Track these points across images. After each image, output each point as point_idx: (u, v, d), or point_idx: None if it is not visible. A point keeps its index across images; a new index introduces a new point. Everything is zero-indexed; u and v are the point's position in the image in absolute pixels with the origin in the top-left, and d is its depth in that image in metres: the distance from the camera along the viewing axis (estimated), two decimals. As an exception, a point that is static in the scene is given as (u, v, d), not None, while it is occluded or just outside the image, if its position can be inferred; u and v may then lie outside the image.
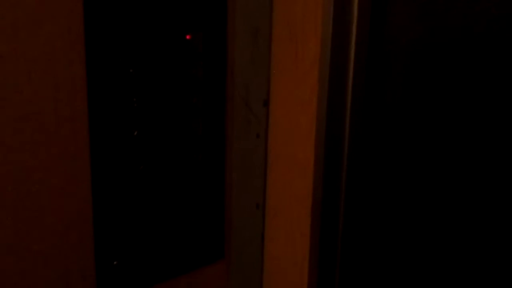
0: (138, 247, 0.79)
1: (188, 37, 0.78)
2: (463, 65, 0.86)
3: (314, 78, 0.83)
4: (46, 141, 0.68)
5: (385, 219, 0.94)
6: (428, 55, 0.88)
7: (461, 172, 0.90)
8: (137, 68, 0.71)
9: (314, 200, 0.85)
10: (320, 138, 0.84)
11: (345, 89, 0.84)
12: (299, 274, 0.90)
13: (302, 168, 0.87)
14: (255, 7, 0.88)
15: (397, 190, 0.94)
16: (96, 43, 0.69)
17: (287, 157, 0.90)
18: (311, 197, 0.85)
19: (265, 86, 0.91)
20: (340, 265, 0.88)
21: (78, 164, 0.70)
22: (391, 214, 0.94)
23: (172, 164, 0.81)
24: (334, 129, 0.85)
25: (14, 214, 0.68)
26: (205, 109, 0.85)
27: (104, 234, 0.74)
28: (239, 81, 0.91)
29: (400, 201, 0.94)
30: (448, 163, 0.90)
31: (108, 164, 0.72)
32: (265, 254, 0.96)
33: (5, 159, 0.66)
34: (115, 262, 0.75)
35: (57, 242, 0.72)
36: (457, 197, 0.91)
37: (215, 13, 0.83)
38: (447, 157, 0.90)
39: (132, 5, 0.71)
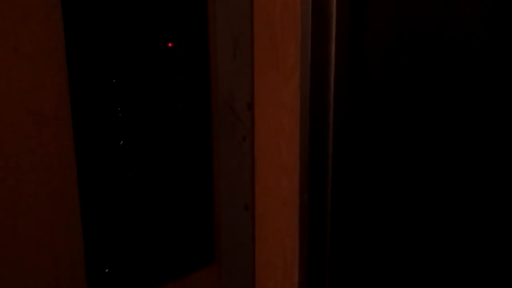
0: (129, 254, 0.80)
1: (170, 45, 0.80)
2: (438, 66, 0.88)
3: (295, 82, 0.85)
4: (31, 154, 0.69)
5: (371, 218, 0.95)
6: (406, 57, 0.89)
7: (444, 172, 0.92)
8: (120, 78, 0.72)
9: (301, 201, 0.87)
10: (304, 140, 0.85)
11: (326, 91, 0.86)
12: (289, 276, 0.91)
13: (288, 170, 0.88)
14: (235, 14, 0.89)
15: (381, 189, 0.96)
16: (78, 55, 0.69)
17: (274, 159, 0.91)
18: (297, 199, 0.87)
19: (249, 90, 0.93)
20: (330, 264, 0.90)
21: (64, 175, 0.71)
22: (376, 213, 0.95)
23: (160, 170, 0.82)
24: (317, 131, 0.86)
25: (1, 226, 0.69)
26: (190, 114, 0.86)
27: (94, 243, 0.75)
28: (222, 86, 0.92)
29: (384, 199, 0.96)
30: (427, 162, 0.92)
31: (95, 174, 0.73)
32: (256, 256, 0.97)
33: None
34: (106, 270, 0.76)
35: (47, 253, 0.73)
36: (441, 198, 0.92)
37: (196, 20, 0.84)
38: (427, 156, 0.92)
39: (114, 17, 0.72)
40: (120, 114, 0.72)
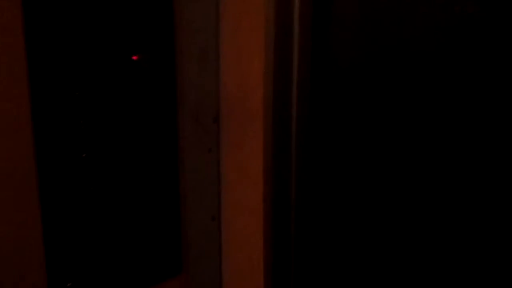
0: (92, 267, 0.80)
1: (134, 57, 0.81)
2: (399, 77, 0.92)
3: (260, 94, 0.87)
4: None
5: (336, 225, 0.97)
6: (369, 73, 0.92)
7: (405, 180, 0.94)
8: (83, 90, 0.72)
9: (265, 212, 0.88)
10: (268, 151, 0.87)
11: (290, 103, 0.88)
12: (256, 283, 0.93)
13: (253, 181, 0.90)
14: (202, 27, 0.91)
15: (345, 197, 0.98)
16: (40, 65, 0.69)
17: (239, 170, 0.93)
18: (262, 209, 0.88)
19: (215, 102, 0.94)
20: (295, 271, 0.91)
21: (25, 189, 0.70)
22: (340, 220, 0.97)
23: (124, 182, 0.82)
24: (281, 141, 0.88)
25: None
26: (156, 127, 0.87)
27: (56, 256, 0.75)
28: (189, 98, 0.93)
29: (348, 207, 0.98)
30: (390, 169, 0.95)
31: (56, 187, 0.73)
32: (223, 265, 0.98)
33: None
34: (68, 284, 0.76)
35: (7, 267, 0.72)
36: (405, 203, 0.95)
37: (163, 33, 0.86)
38: (388, 163, 0.95)
39: (76, 28, 0.72)
40: (82, 127, 0.72)
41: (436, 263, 0.93)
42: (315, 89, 0.92)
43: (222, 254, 0.98)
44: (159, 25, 0.84)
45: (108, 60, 0.77)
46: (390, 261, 0.96)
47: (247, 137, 0.90)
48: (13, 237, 0.72)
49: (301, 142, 0.89)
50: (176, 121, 0.91)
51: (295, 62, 0.88)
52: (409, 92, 0.90)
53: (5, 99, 0.68)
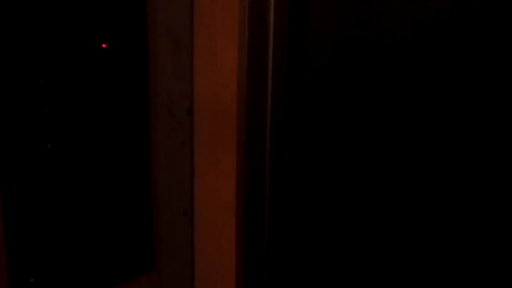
0: (58, 263, 0.78)
1: (104, 45, 0.78)
2: (375, 73, 0.91)
3: (234, 86, 0.86)
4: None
5: (309, 220, 0.97)
6: (345, 67, 0.92)
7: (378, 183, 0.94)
8: (48, 78, 0.70)
9: (238, 206, 0.87)
10: (241, 144, 0.86)
11: (264, 95, 0.87)
12: (228, 278, 0.91)
13: (226, 175, 0.89)
14: (176, 17, 0.89)
15: (319, 191, 0.97)
16: (1, 53, 0.67)
17: (213, 164, 0.91)
18: (235, 203, 0.87)
19: (189, 94, 0.92)
20: (267, 266, 0.90)
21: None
22: (314, 215, 0.97)
23: (93, 175, 0.80)
24: (255, 135, 0.87)
25: None
26: (127, 118, 0.84)
27: (18, 251, 0.72)
28: (162, 90, 0.91)
29: (323, 202, 0.98)
30: (363, 169, 0.95)
31: (19, 178, 0.71)
32: (195, 261, 0.97)
33: None
34: (31, 280, 0.73)
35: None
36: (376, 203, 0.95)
37: (135, 23, 0.83)
38: (360, 158, 0.95)
39: (42, 13, 0.69)
40: (47, 116, 0.69)
41: (406, 258, 0.94)
42: (290, 83, 0.91)
43: (194, 249, 0.96)
44: (132, 14, 0.82)
45: (77, 48, 0.75)
46: (362, 255, 0.96)
47: (221, 130, 0.89)
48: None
49: (275, 136, 0.88)
50: (149, 112, 0.89)
51: (270, 55, 0.87)
52: (384, 87, 0.90)
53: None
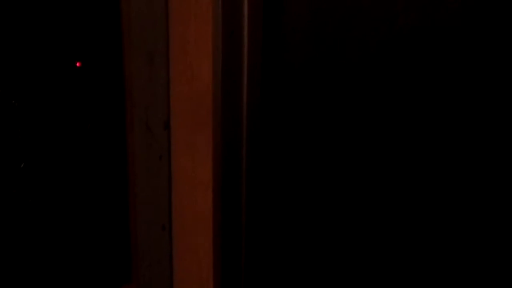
0: (34, 276, 0.77)
1: (78, 64, 0.78)
2: (353, 74, 0.93)
3: (209, 100, 0.86)
4: None
5: (287, 233, 0.97)
6: (320, 68, 0.93)
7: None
8: (21, 98, 0.70)
9: (215, 217, 0.87)
10: (217, 157, 0.86)
11: (239, 110, 0.88)
12: (206, 292, 0.91)
13: (203, 188, 0.89)
14: (150, 31, 0.89)
15: (298, 204, 0.98)
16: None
17: (190, 178, 0.91)
18: (211, 217, 0.87)
19: (165, 108, 0.93)
20: (244, 279, 0.90)
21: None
22: (293, 229, 0.97)
23: (67, 192, 0.80)
24: (231, 148, 0.87)
25: None
26: (102, 134, 0.84)
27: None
28: (138, 104, 0.91)
29: (302, 215, 0.98)
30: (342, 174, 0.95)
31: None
32: (173, 274, 0.96)
33: None
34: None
35: None
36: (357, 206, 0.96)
37: (109, 38, 0.84)
38: (339, 159, 0.95)
39: (14, 30, 0.70)
40: (20, 136, 0.69)
41: (381, 255, 0.94)
42: (265, 92, 0.92)
43: (172, 262, 0.96)
44: (106, 30, 0.83)
45: (49, 65, 0.75)
46: (343, 255, 0.96)
47: (197, 143, 0.89)
48: None
49: (252, 147, 0.89)
50: (125, 128, 0.89)
51: (245, 63, 0.87)
52: (362, 89, 0.91)
53: None
